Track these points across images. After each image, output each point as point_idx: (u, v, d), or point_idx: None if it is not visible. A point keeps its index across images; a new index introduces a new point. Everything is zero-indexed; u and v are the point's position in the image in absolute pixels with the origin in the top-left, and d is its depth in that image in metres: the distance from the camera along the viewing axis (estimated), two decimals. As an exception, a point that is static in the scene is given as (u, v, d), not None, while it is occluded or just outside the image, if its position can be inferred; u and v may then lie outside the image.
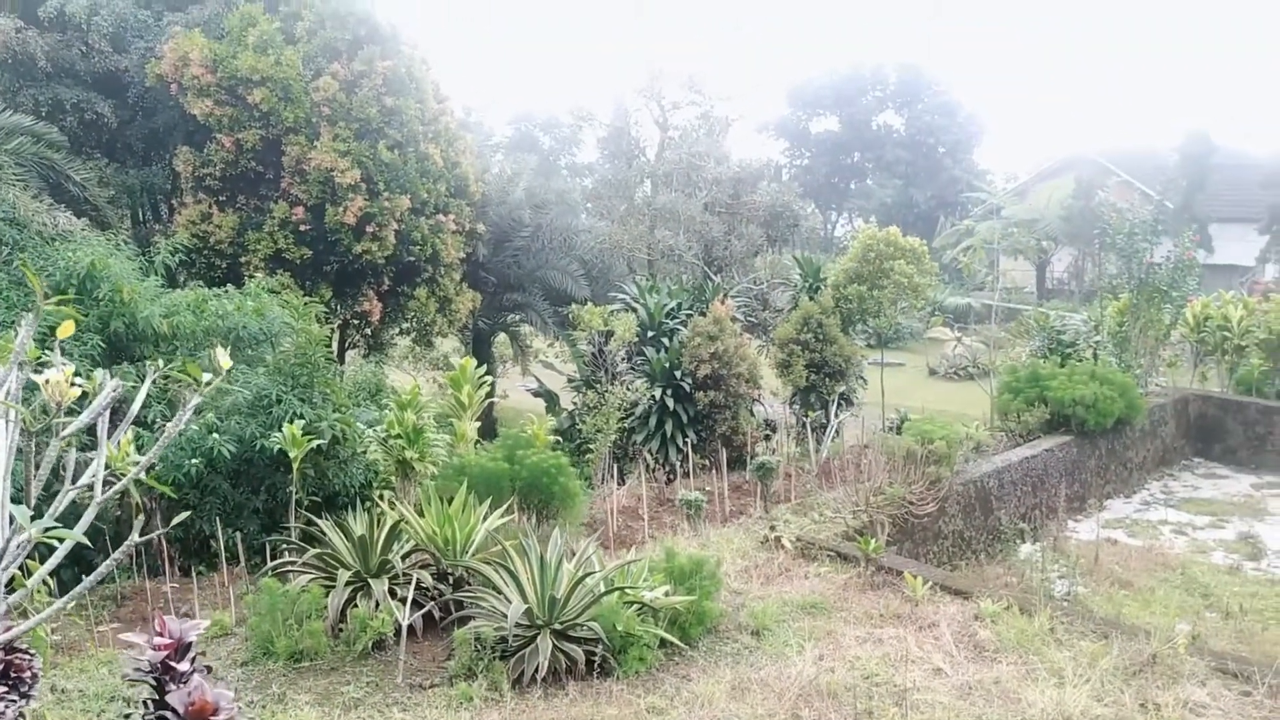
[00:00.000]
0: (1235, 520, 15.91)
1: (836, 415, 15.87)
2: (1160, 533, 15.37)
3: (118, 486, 4.13)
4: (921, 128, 65.24)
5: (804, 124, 69.45)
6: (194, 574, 9.31)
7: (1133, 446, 18.05)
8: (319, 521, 8.91)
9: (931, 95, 65.83)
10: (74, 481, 3.93)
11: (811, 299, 17.64)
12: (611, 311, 17.37)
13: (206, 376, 4.44)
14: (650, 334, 17.22)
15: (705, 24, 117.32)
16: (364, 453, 10.57)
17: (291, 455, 8.96)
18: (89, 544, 3.80)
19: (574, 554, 8.60)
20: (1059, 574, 12.37)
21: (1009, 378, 17.47)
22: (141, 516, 4.05)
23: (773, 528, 11.05)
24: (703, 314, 16.55)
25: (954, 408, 24.29)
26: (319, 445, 9.69)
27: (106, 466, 4.15)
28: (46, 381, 3.80)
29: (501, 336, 25.96)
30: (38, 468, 3.97)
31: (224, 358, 4.70)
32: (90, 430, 4.07)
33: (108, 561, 3.87)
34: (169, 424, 4.25)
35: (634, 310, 17.67)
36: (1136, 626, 8.75)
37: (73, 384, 3.88)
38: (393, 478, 10.32)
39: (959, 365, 34.80)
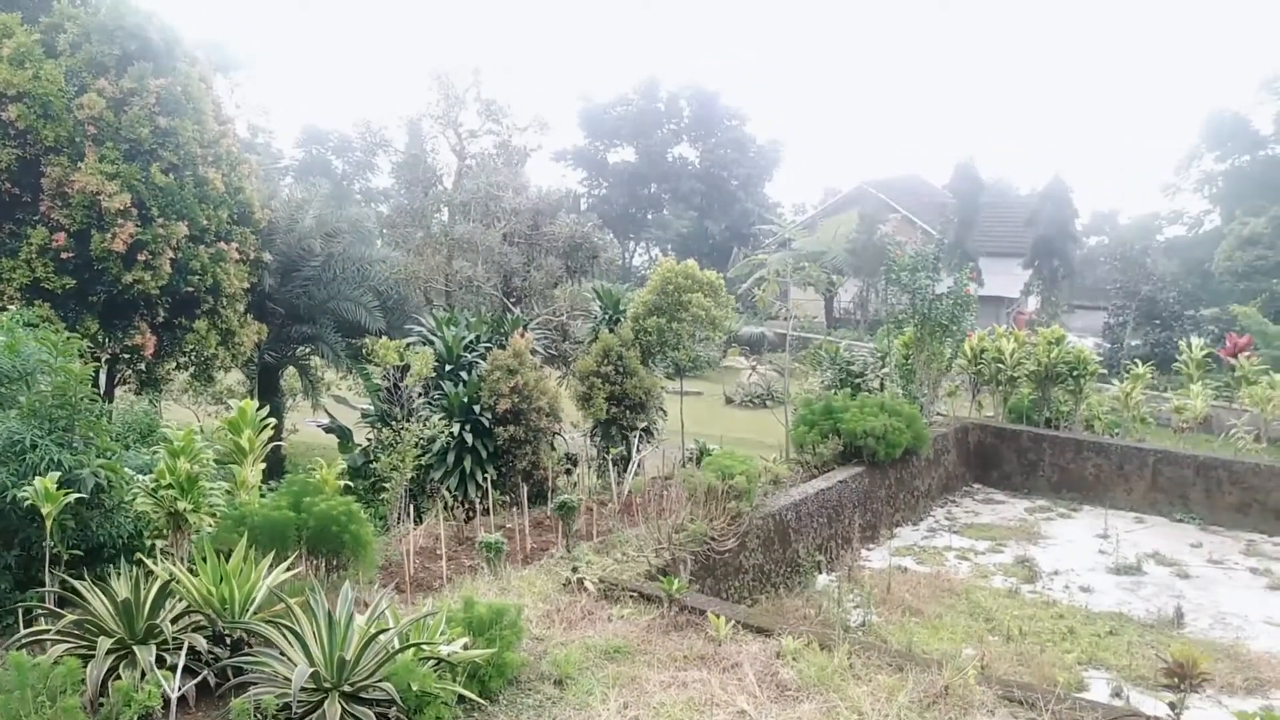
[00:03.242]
0: (1012, 544, 16.75)
1: (638, 448, 15.81)
2: (945, 559, 15.99)
3: None
4: (715, 161, 67.27)
5: (602, 154, 70.42)
6: (-67, 641, 8.29)
7: (919, 475, 18.79)
8: (78, 582, 8.06)
9: (724, 130, 67.96)
10: None
11: (611, 331, 17.59)
12: (408, 344, 16.81)
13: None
14: (448, 367, 16.77)
15: (503, 37, 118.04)
16: (132, 501, 9.69)
17: (44, 511, 8.09)
18: None
19: (367, 606, 8.10)
20: (854, 604, 12.64)
21: (804, 410, 17.87)
22: None
23: (575, 569, 10.80)
24: (502, 346, 16.24)
25: (751, 436, 24.82)
26: (79, 496, 8.81)
27: None
28: None
29: (290, 369, 24.78)
30: None
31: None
32: None
33: None
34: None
35: (431, 343, 17.18)
36: (929, 657, 8.96)
37: None
38: (165, 530, 9.48)
39: (754, 394, 35.72)
